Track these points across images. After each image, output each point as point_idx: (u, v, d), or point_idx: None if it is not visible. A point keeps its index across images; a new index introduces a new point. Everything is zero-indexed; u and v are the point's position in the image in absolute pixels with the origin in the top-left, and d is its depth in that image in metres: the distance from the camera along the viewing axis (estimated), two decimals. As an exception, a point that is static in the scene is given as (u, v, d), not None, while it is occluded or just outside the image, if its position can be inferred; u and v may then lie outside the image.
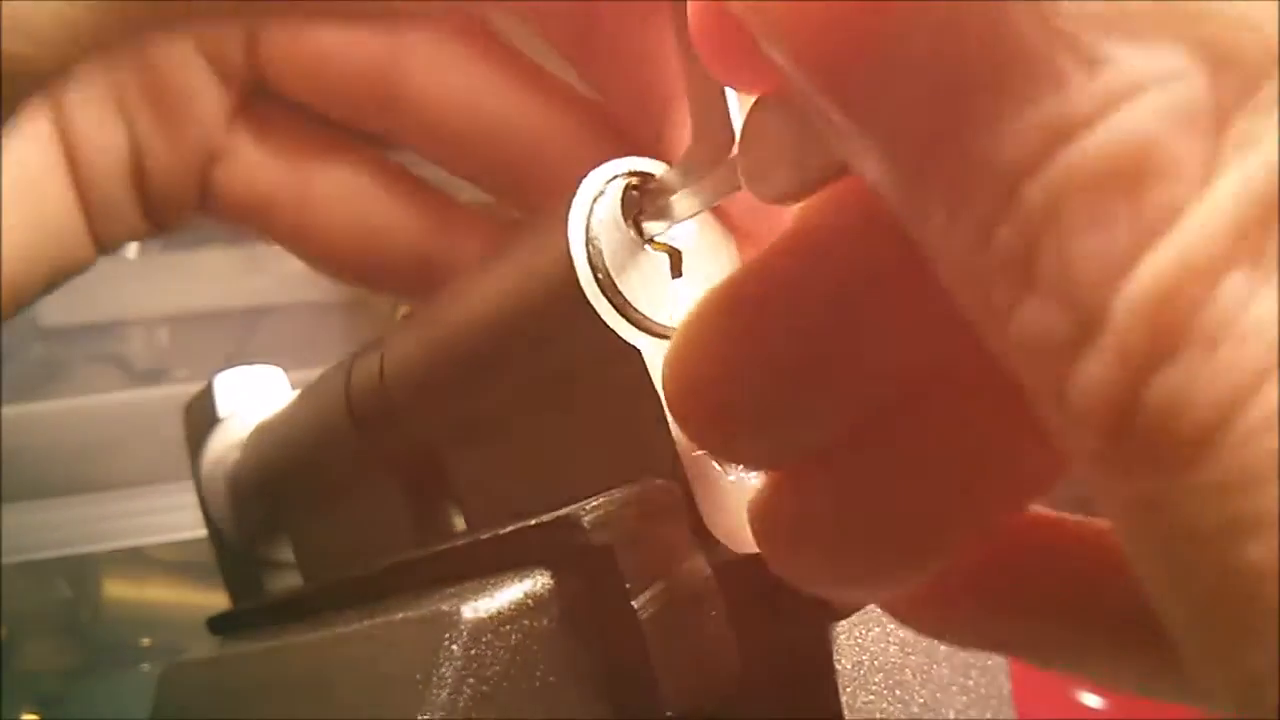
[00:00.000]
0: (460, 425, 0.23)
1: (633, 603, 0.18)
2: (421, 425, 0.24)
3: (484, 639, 0.18)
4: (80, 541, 0.49)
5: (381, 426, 0.24)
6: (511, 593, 0.19)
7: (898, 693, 0.23)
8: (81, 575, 0.49)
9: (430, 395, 0.23)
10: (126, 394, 0.60)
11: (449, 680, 0.18)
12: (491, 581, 0.19)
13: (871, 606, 0.21)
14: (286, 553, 0.33)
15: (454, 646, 0.18)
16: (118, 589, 0.49)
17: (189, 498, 0.35)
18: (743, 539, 0.19)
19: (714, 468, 0.19)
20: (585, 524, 0.18)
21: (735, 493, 0.19)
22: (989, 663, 0.25)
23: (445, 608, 0.19)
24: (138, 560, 0.50)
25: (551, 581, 0.19)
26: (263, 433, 0.31)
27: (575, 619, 0.19)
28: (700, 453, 0.19)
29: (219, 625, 0.33)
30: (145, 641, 0.46)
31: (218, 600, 0.36)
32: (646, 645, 0.18)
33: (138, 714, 0.38)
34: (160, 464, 0.45)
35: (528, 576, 0.19)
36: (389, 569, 0.23)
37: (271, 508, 0.32)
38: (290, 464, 0.29)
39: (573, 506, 0.19)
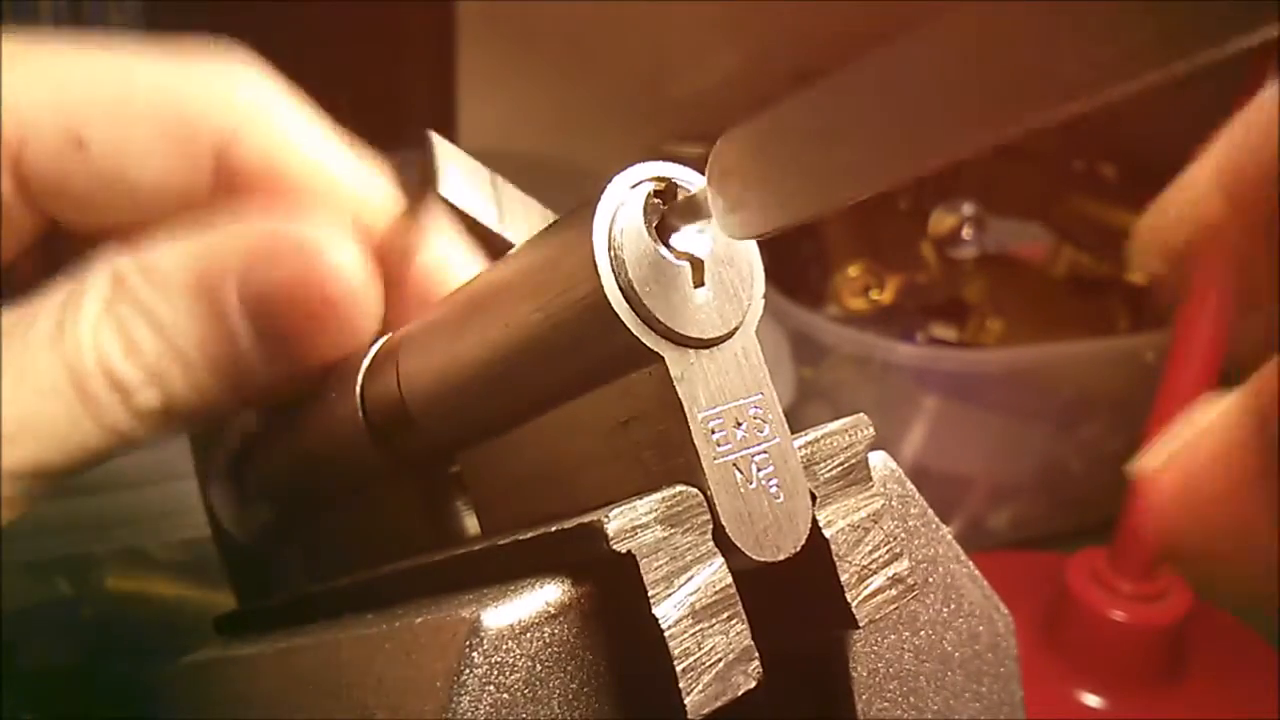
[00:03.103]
0: (480, 432, 0.23)
1: (654, 610, 0.18)
2: (441, 435, 0.24)
3: (505, 646, 0.18)
4: (81, 541, 0.49)
5: (400, 439, 0.24)
6: (533, 600, 0.19)
7: (912, 700, 0.23)
8: (83, 575, 0.49)
9: (451, 407, 0.23)
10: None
11: (470, 687, 0.18)
12: (512, 588, 0.19)
13: (887, 614, 0.21)
14: (294, 553, 0.33)
15: (475, 654, 0.18)
16: (119, 588, 0.49)
17: (193, 497, 0.34)
18: (763, 547, 0.19)
19: (735, 475, 0.19)
20: (607, 531, 0.18)
21: (756, 500, 0.19)
22: (1001, 670, 0.25)
23: (466, 614, 0.19)
24: (140, 559, 0.50)
25: (573, 588, 0.19)
26: (270, 438, 0.31)
27: (596, 626, 0.19)
28: (722, 460, 0.19)
29: (226, 625, 0.32)
30: (147, 641, 0.46)
31: (220, 600, 0.36)
32: (668, 653, 0.18)
33: (141, 715, 0.38)
34: (163, 462, 0.45)
35: (549, 583, 0.19)
36: (406, 572, 0.23)
37: (280, 510, 0.31)
38: (302, 473, 0.29)
39: (594, 513, 0.18)
